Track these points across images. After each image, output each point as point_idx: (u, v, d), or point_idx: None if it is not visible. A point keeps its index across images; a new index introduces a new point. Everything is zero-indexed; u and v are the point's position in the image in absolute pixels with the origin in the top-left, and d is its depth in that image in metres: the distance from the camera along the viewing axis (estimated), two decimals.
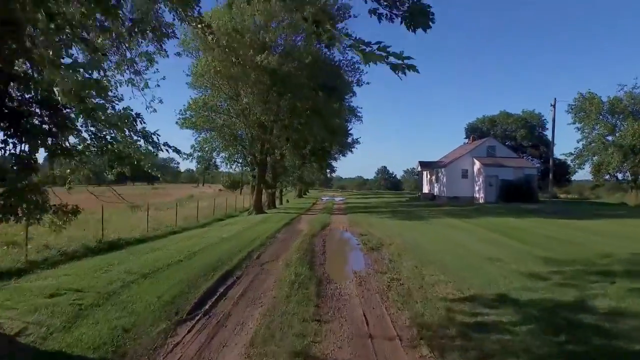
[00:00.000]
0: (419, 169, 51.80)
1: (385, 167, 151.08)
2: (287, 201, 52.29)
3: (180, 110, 29.06)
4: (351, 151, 72.11)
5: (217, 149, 33.82)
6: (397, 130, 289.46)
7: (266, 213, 32.38)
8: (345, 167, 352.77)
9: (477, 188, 42.55)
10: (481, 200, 40.90)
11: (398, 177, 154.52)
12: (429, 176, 51.79)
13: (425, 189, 52.80)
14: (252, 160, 32.84)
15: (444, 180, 44.70)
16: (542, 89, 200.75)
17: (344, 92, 33.72)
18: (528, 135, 64.99)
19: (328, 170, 55.49)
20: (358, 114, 42.72)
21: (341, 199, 61.80)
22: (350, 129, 51.16)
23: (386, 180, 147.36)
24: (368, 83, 76.25)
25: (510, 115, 69.55)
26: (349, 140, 68.81)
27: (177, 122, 28.90)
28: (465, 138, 73.37)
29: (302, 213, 32.19)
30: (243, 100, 27.39)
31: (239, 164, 35.35)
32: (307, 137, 33.51)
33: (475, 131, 68.47)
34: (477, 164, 42.61)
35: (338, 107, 31.54)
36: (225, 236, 18.20)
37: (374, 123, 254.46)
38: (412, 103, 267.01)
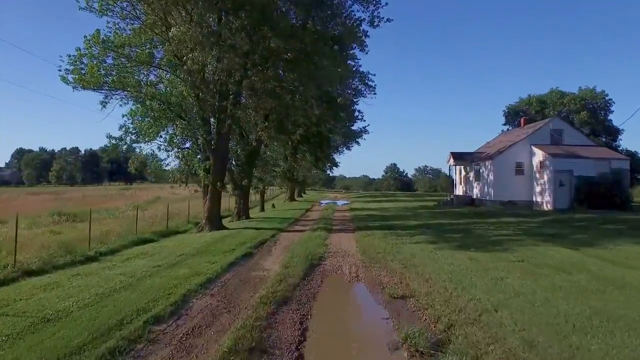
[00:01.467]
0: (451, 162, 41.34)
1: (395, 165, 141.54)
2: (273, 206, 42.22)
3: (71, 56, 18.80)
4: (357, 142, 62.94)
5: (153, 128, 23.76)
6: (409, 121, 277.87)
7: (226, 229, 22.35)
8: (349, 164, 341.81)
9: (538, 188, 32.40)
10: (547, 206, 30.82)
11: (409, 175, 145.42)
12: (464, 173, 41.50)
13: (459, 190, 42.51)
14: (206, 146, 22.73)
15: (489, 177, 34.50)
16: (603, 59, 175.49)
17: (349, 39, 23.42)
18: (590, 119, 54.22)
19: (328, 165, 45.22)
20: (369, 83, 32.31)
21: (345, 202, 51.78)
22: (357, 107, 41.31)
23: (396, 180, 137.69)
24: (389, 20, 40.05)
25: (565, 95, 59.11)
26: (354, 127, 59.00)
27: (63, 77, 18.64)
28: (505, 124, 63.08)
29: (284, 228, 22.34)
30: (171, 33, 17.12)
31: (183, 152, 25.21)
32: (291, 106, 23.42)
33: (518, 116, 58.24)
34: (539, 155, 32.44)
35: (337, 59, 21.28)
36: (60, 307, 8.23)
37: (380, 115, 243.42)
38: (427, 88, 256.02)
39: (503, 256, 12.39)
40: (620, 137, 58.12)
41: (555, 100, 59.32)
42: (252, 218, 28.43)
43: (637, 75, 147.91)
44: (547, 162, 31.53)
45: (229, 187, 26.18)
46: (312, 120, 32.38)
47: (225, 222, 27.41)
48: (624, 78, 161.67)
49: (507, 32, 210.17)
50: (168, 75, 23.48)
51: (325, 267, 11.87)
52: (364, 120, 49.56)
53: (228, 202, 34.36)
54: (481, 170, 36.69)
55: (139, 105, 22.30)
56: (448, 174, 48.23)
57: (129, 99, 21.97)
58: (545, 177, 31.65)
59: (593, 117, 55.42)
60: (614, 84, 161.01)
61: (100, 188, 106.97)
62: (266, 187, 39.75)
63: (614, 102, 59.06)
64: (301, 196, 65.21)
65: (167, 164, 30.35)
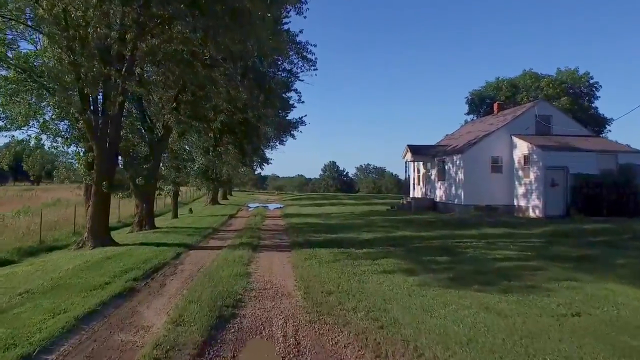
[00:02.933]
0: (407, 157, 37.95)
1: (334, 163, 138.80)
2: (191, 212, 37.50)
3: None
4: (292, 135, 59.19)
5: (17, 107, 18.74)
6: (349, 116, 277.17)
7: (116, 245, 17.78)
8: (283, 162, 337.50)
9: (521, 190, 29.38)
10: (535, 212, 27.78)
11: (350, 175, 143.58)
12: (423, 170, 38.37)
13: (417, 192, 39.33)
14: (87, 133, 17.94)
15: (458, 176, 31.32)
16: (583, 39, 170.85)
17: None
18: (572, 106, 50.17)
19: (257, 161, 40.88)
20: (308, 56, 28.33)
21: (278, 206, 47.71)
22: (291, 94, 37.58)
23: (336, 180, 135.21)
24: None
25: (541, 78, 55.81)
26: (289, 116, 55.25)
27: None
28: (468, 114, 60.78)
29: (195, 244, 18.23)
30: None
31: (65, 141, 20.32)
32: (207, 81, 19.22)
33: (484, 103, 56.15)
34: (523, 147, 29.37)
35: (267, 20, 17.11)
36: None
37: (317, 109, 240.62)
38: (369, 80, 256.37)
39: (537, 302, 8.64)
40: (608, 128, 55.29)
41: (529, 83, 56.05)
42: (158, 228, 23.80)
43: (623, 56, 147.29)
44: (535, 157, 28.23)
45: (124, 187, 21.48)
46: (237, 104, 28.29)
47: (121, 234, 22.78)
48: (610, 61, 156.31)
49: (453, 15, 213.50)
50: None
51: (243, 323, 7.74)
52: (302, 102, 45.37)
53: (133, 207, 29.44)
54: (447, 167, 33.47)
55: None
56: (393, 173, 45.10)
57: None
58: (532, 176, 28.40)
59: (576, 103, 51.76)
60: (597, 68, 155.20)
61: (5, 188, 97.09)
62: (179, 189, 34.82)
63: (600, 86, 56.24)
64: (227, 198, 60.40)
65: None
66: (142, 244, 17.85)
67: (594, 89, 55.74)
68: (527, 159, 29.20)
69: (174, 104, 21.91)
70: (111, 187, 18.15)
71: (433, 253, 14.73)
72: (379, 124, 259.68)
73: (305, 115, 59.22)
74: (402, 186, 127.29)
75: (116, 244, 17.90)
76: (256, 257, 14.55)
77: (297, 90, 27.34)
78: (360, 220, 27.11)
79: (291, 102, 39.62)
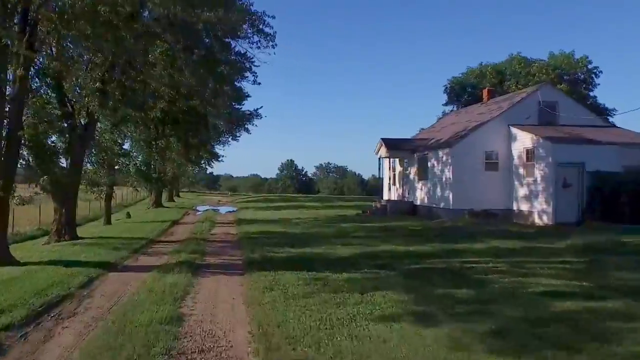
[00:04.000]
0: (382, 153, 34.89)
1: (292, 162, 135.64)
2: (128, 216, 33.66)
3: None
4: (246, 129, 55.84)
5: None
6: (307, 112, 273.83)
7: (16, 265, 14.30)
8: (236, 160, 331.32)
9: (523, 191, 26.46)
10: (543, 219, 24.74)
11: (309, 174, 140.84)
12: (400, 168, 35.50)
13: (393, 193, 36.49)
14: None
15: (445, 175, 28.45)
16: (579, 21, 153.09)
17: None
18: (569, 94, 47.19)
19: (205, 157, 37.21)
20: (265, 29, 24.91)
21: (230, 209, 44.20)
22: (244, 80, 34.38)
23: (294, 180, 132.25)
24: None
25: (531, 62, 52.65)
26: (243, 107, 52.00)
27: None
28: (447, 104, 58.38)
29: (119, 263, 14.92)
30: None
31: None
32: (138, 55, 15.91)
33: (465, 92, 53.75)
34: (526, 140, 26.34)
35: None
36: None
37: (272, 103, 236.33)
38: (328, 72, 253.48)
39: None
40: (611, 119, 50.12)
41: (517, 69, 52.97)
42: (81, 238, 20.10)
43: (626, 38, 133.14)
44: (541, 151, 25.15)
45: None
46: (181, 90, 24.91)
47: (35, 246, 19.17)
48: (610, 44, 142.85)
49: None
50: None
51: None
52: (258, 84, 41.29)
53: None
54: (430, 165, 30.55)
55: None
56: (356, 173, 42.25)
57: None
58: (538, 174, 25.34)
59: (573, 92, 47.16)
60: (597, 52, 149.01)
61: None
62: (114, 190, 30.92)
63: (600, 71, 52.51)
64: (173, 200, 56.36)
65: None
66: (50, 262, 14.31)
67: (593, 76, 52.62)
68: (530, 153, 26.11)
69: (98, 84, 18.33)
70: (8, 188, 14.52)
71: (442, 281, 11.35)
72: (340, 119, 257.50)
73: (261, 107, 55.87)
74: (367, 187, 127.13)
75: (15, 263, 14.29)
76: (196, 285, 11.24)
77: (252, 69, 23.78)
78: (330, 229, 24.00)
79: (245, 88, 36.21)
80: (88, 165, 23.37)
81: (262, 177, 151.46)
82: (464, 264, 13.79)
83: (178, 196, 67.02)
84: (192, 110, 27.23)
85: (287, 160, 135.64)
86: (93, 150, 22.60)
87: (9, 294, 10.07)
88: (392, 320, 7.93)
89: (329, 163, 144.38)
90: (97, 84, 18.43)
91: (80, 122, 20.29)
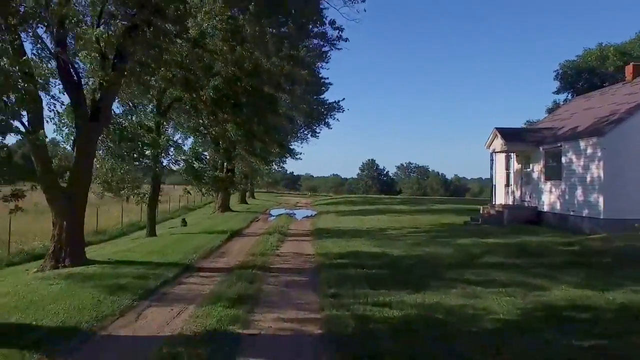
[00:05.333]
0: (495, 146, 26.57)
1: (373, 161, 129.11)
2: (184, 223, 27.60)
3: None
4: (327, 123, 49.10)
5: None
6: (387, 109, 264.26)
7: None
8: (316, 161, 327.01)
9: None
10: None
11: (391, 174, 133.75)
12: (518, 165, 27.10)
13: (509, 196, 28.05)
14: None
15: (592, 173, 20.21)
16: None
17: None
18: None
19: (275, 150, 30.57)
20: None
21: (308, 213, 37.66)
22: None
23: (375, 180, 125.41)
24: None
25: None
26: (323, 96, 45.91)
27: None
28: (559, 92, 49.38)
29: (96, 327, 8.02)
30: None
31: None
32: None
33: (580, 78, 44.94)
34: None
35: None
36: None
37: (353, 102, 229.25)
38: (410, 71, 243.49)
39: None
40: None
41: None
42: (92, 262, 13.65)
43: None
44: None
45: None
46: (245, 65, 18.93)
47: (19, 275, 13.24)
48: None
49: None
50: None
51: None
52: (345, 39, 33.67)
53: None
54: (565, 160, 22.34)
55: None
56: (439, 172, 33.95)
57: None
58: None
59: None
60: None
61: None
62: (160, 190, 24.55)
63: None
64: (246, 202, 50.38)
65: None
66: None
67: None
68: None
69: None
70: None
71: None
72: (420, 118, 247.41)
73: (343, 99, 48.93)
74: (451, 187, 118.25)
75: None
76: None
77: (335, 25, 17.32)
78: (444, 248, 16.44)
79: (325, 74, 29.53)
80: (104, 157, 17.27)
81: (342, 177, 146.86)
82: None
83: (253, 197, 61.37)
84: (256, 91, 20.63)
85: (368, 159, 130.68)
86: (110, 136, 16.41)
87: None
88: None
89: (409, 163, 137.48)
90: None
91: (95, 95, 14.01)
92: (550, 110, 46.85)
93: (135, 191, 19.94)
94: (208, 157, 28.33)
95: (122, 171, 18.15)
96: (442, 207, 40.83)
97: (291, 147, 46.71)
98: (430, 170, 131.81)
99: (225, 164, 33.92)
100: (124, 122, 17.89)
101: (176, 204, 41.41)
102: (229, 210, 37.18)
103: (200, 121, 20.94)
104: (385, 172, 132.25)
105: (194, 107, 19.61)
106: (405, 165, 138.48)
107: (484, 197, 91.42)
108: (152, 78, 16.81)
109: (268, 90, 21.28)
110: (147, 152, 19.13)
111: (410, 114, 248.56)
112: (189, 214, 38.93)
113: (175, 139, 22.02)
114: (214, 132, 21.28)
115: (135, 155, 18.37)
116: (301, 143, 51.22)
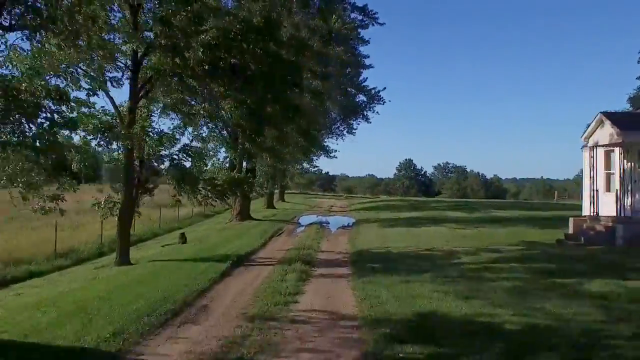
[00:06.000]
0: (602, 138, 19.19)
1: (410, 161, 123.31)
2: (183, 240, 21.34)
3: None
4: (366, 118, 42.32)
5: None
6: (425, 108, 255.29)
7: None
8: (351, 161, 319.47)
9: None
10: None
11: (428, 174, 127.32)
12: (630, 164, 19.33)
13: (611, 206, 20.05)
14: None
15: None
16: None
17: None
18: None
19: (301, 144, 24.08)
20: None
21: (345, 221, 31.14)
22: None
23: (412, 180, 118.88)
24: None
25: None
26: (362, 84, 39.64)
27: None
28: None
29: None
30: None
31: None
32: None
33: None
34: None
35: None
36: None
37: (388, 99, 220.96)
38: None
39: None
40: None
41: None
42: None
43: None
44: None
45: None
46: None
47: None
48: None
49: None
50: None
51: None
52: (381, 23, 26.87)
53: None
54: None
55: None
56: (479, 173, 26.07)
57: None
58: None
59: None
60: None
61: None
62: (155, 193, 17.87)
63: None
64: (273, 207, 43.80)
65: None
66: None
67: None
68: None
69: None
70: None
71: None
72: (457, 117, 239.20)
73: (384, 88, 41.81)
74: (492, 188, 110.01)
75: None
76: None
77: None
78: (580, 306, 9.28)
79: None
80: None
81: (378, 177, 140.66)
82: None
83: (283, 200, 54.90)
84: (274, 59, 14.06)
85: (406, 159, 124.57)
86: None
87: None
88: None
89: (447, 162, 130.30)
90: None
91: None
92: (632, 100, 39.19)
93: (45, 195, 12.90)
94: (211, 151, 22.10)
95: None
96: (504, 214, 33.54)
97: (324, 143, 40.30)
98: (469, 171, 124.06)
99: (244, 162, 27.74)
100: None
101: (189, 210, 34.83)
102: (249, 219, 30.59)
103: (188, 98, 14.40)
104: (422, 172, 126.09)
105: (178, 75, 13.09)
106: (442, 165, 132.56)
107: (522, 199, 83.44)
108: None
109: (287, 56, 14.76)
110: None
111: (447, 113, 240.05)
112: (202, 222, 32.69)
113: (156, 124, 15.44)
114: (202, 112, 14.87)
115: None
116: (336, 139, 44.44)
